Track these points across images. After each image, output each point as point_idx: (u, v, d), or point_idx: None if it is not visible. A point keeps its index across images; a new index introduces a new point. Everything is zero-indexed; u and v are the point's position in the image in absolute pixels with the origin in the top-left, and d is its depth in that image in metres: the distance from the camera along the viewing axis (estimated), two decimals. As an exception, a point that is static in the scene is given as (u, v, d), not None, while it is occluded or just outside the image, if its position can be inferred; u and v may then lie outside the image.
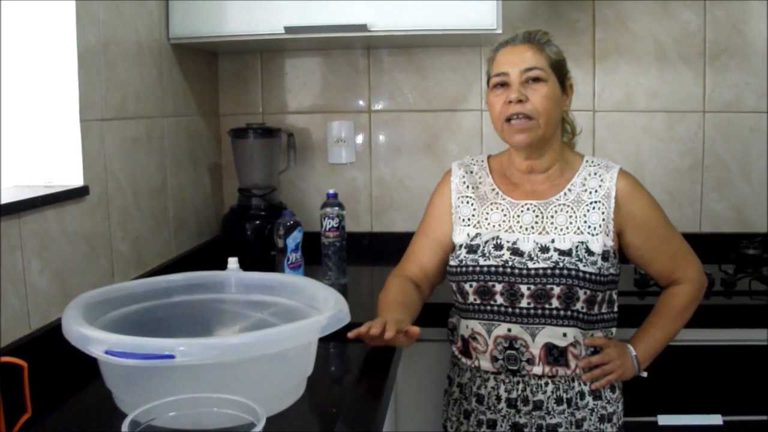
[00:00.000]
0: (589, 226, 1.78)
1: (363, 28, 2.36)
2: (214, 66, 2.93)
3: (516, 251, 1.79)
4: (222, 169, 2.97)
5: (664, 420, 2.15)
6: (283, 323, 1.51)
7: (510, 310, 1.78)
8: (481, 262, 1.80)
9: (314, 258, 2.52)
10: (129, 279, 2.07)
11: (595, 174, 1.84)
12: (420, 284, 1.92)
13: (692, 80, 2.77)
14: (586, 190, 1.82)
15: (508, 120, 1.77)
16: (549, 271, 1.74)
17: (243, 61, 2.94)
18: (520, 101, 1.75)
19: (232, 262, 2.10)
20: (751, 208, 2.80)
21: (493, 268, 1.78)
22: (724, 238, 2.70)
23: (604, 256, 1.76)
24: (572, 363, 1.77)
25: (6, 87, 1.85)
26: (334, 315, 1.42)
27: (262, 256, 2.59)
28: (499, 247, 1.81)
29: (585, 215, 1.79)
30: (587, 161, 1.87)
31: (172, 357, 1.23)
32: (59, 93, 1.86)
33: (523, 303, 1.76)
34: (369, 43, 2.77)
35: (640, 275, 2.33)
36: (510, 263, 1.77)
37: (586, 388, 1.79)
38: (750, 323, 2.14)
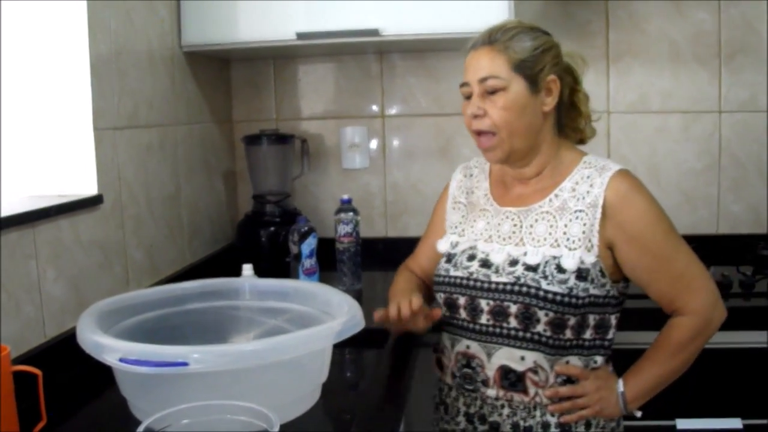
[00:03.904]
0: (568, 239, 1.59)
1: (375, 32, 2.36)
2: (227, 73, 2.94)
3: (485, 263, 1.66)
4: (236, 176, 2.98)
5: (682, 424, 2.13)
6: (298, 330, 1.51)
7: (471, 325, 1.66)
8: (452, 272, 1.70)
9: (329, 264, 2.52)
10: (143, 287, 2.08)
11: (588, 177, 1.63)
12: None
13: (707, 80, 2.75)
14: (574, 197, 1.63)
15: (479, 134, 1.66)
16: (508, 287, 1.60)
17: (255, 67, 2.95)
18: (477, 116, 1.63)
19: (247, 268, 2.10)
20: (768, 209, 2.78)
21: (458, 280, 1.68)
22: (742, 240, 2.68)
23: (580, 274, 1.56)
24: (531, 390, 1.61)
25: (20, 97, 1.86)
26: (347, 321, 1.41)
27: (277, 263, 2.60)
28: (471, 257, 1.69)
29: (566, 226, 1.61)
30: (585, 162, 1.68)
31: (185, 364, 1.23)
32: (72, 102, 1.86)
33: (483, 319, 1.64)
34: (381, 47, 2.77)
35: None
36: (474, 276, 1.65)
37: (552, 420, 1.62)
38: (769, 325, 2.12)
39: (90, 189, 1.89)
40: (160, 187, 2.27)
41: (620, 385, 1.62)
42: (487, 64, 1.62)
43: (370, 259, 2.73)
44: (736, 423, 2.12)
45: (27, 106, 1.86)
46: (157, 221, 2.24)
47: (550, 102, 1.65)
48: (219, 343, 1.68)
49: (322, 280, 2.38)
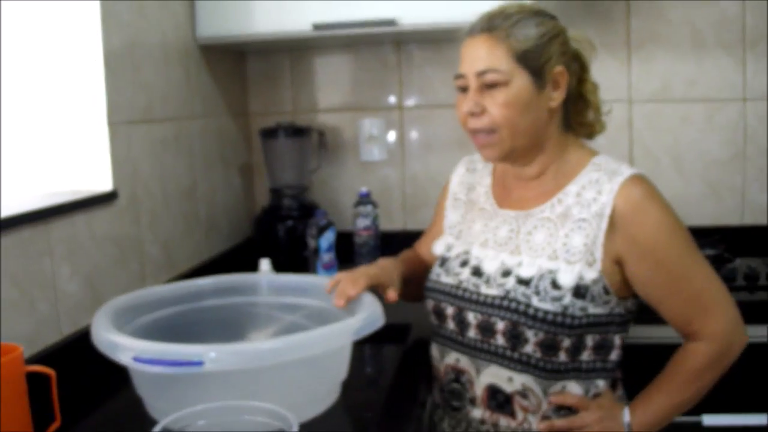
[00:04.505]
0: (568, 251, 1.42)
1: (392, 22, 2.33)
2: (243, 66, 2.91)
3: (477, 271, 1.51)
4: (253, 170, 2.95)
5: (709, 420, 2.08)
6: (316, 326, 1.48)
7: (459, 338, 1.53)
8: (442, 278, 1.57)
9: (347, 257, 2.49)
10: (160, 282, 2.06)
11: (596, 182, 1.45)
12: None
13: (732, 68, 2.69)
14: (579, 203, 1.45)
15: (474, 132, 1.51)
16: (497, 301, 1.45)
17: (271, 60, 2.92)
18: (474, 114, 1.47)
19: (264, 263, 2.08)
20: (795, 199, 2.73)
21: (447, 288, 1.55)
22: (768, 231, 2.63)
23: (578, 291, 1.40)
24: (519, 414, 1.46)
25: (33, 93, 1.84)
26: (367, 318, 1.38)
27: (295, 257, 2.58)
28: (464, 263, 1.55)
29: (566, 236, 1.44)
30: (594, 164, 1.49)
31: (201, 363, 1.20)
32: (86, 97, 1.84)
33: (471, 333, 1.50)
34: (398, 38, 2.74)
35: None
36: (463, 285, 1.52)
37: None
38: (797, 318, 2.07)
39: (105, 185, 1.87)
40: (176, 182, 2.25)
41: (626, 414, 1.45)
42: (486, 55, 1.45)
43: (390, 253, 2.68)
44: (761, 419, 2.07)
45: (40, 102, 1.84)
46: (174, 216, 2.22)
47: (557, 96, 1.48)
48: (237, 339, 1.67)
49: (341, 274, 2.35)
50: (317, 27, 2.36)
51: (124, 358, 1.25)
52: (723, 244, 2.45)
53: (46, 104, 1.85)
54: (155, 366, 1.22)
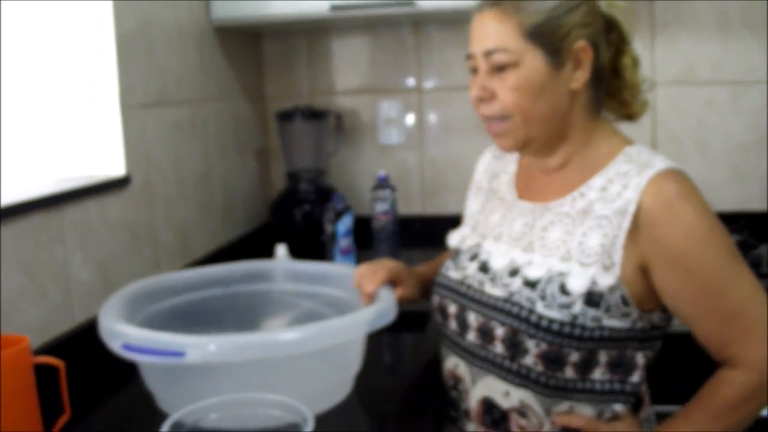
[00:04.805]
0: (582, 251, 1.24)
1: (410, 3, 2.29)
2: (259, 48, 2.88)
3: (484, 266, 1.36)
4: (269, 154, 2.92)
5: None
6: (333, 312, 1.46)
7: (459, 340, 1.37)
8: (450, 273, 1.43)
9: (365, 242, 2.47)
10: (175, 269, 2.03)
11: (624, 175, 1.25)
12: None
13: (757, 50, 2.63)
14: (603, 198, 1.26)
15: (486, 118, 1.34)
16: (499, 303, 1.28)
17: (288, 42, 2.88)
18: (482, 99, 1.31)
19: (281, 249, 2.06)
20: (822, 184, 2.67)
21: (452, 283, 1.41)
22: (794, 216, 2.58)
23: (591, 299, 1.22)
24: None
25: (44, 76, 1.81)
26: (378, 311, 1.33)
27: (312, 242, 2.55)
28: (474, 256, 1.40)
29: (584, 234, 1.26)
30: (626, 154, 1.29)
31: (182, 354, 1.17)
32: (98, 80, 1.81)
33: (471, 336, 1.34)
34: (417, 18, 2.69)
35: None
36: (468, 280, 1.37)
37: None
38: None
39: (118, 170, 1.84)
40: (191, 167, 2.22)
41: None
42: (494, 32, 1.27)
43: (408, 237, 2.68)
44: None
45: (51, 86, 1.82)
46: (188, 202, 2.19)
47: (579, 77, 1.28)
48: (252, 327, 1.66)
49: (359, 259, 2.33)
50: (334, 8, 2.32)
51: (115, 346, 1.22)
52: (747, 230, 2.41)
53: (58, 88, 1.82)
54: (142, 355, 1.20)
